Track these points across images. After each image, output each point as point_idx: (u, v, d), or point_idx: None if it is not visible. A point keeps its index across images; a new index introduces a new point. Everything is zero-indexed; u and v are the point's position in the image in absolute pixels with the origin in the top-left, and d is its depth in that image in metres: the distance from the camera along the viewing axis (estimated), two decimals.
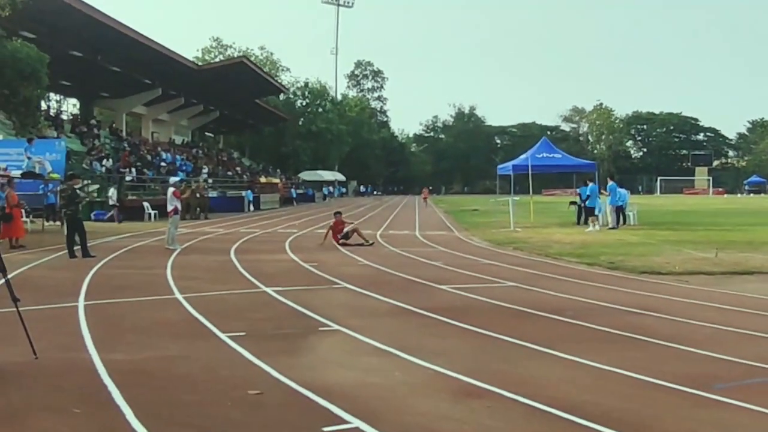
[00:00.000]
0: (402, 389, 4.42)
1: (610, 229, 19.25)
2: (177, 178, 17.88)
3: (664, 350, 5.47)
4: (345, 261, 12.30)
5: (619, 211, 20.18)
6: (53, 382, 4.50)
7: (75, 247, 12.48)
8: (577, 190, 22.65)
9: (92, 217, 24.04)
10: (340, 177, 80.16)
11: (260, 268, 10.87)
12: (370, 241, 15.11)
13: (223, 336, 5.87)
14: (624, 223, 20.43)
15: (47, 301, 7.59)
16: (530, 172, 20.89)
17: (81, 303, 7.57)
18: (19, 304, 5.22)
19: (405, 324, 6.63)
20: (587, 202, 20.40)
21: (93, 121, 37.28)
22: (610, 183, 20.15)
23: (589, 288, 8.86)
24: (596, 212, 20.03)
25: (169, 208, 14.56)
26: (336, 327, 6.30)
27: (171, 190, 14.86)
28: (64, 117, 39.88)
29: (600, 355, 5.19)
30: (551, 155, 21.95)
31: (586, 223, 20.32)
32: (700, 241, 15.10)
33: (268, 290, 8.56)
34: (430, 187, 62.41)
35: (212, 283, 9.19)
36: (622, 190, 20.53)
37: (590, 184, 20.09)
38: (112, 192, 24.16)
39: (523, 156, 22.70)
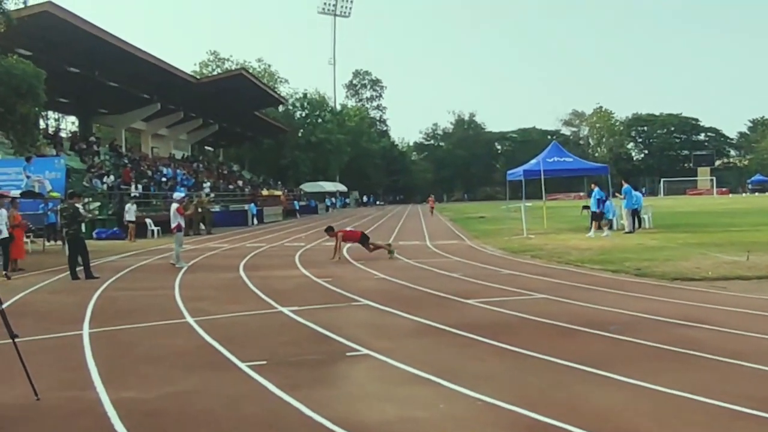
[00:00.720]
0: (450, 425, 3.93)
1: (627, 233, 18.75)
2: (181, 194, 17.38)
3: (729, 368, 4.97)
4: (360, 275, 11.77)
5: (635, 214, 19.67)
6: (57, 428, 4.01)
7: (77, 268, 11.99)
8: (591, 194, 22.03)
9: (94, 235, 23.58)
10: (342, 188, 79.57)
11: (272, 285, 10.36)
12: (372, 253, 14.67)
13: (242, 365, 5.36)
14: (639, 226, 19.92)
15: (49, 330, 7.09)
16: (542, 177, 20.36)
17: (86, 330, 7.06)
18: (20, 333, 4.74)
19: (437, 345, 6.11)
20: (595, 207, 19.49)
21: (92, 138, 36.89)
22: (625, 186, 19.66)
23: (624, 298, 8.33)
24: (609, 216, 19.46)
25: (173, 224, 14.12)
26: (364, 351, 5.79)
27: (174, 206, 14.41)
28: (63, 135, 39.53)
29: (660, 377, 4.69)
30: (562, 159, 21.47)
31: (596, 228, 19.37)
32: (722, 243, 14.63)
33: (284, 310, 8.05)
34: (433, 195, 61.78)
35: (224, 304, 8.68)
36: (637, 193, 20.00)
37: (595, 188, 19.36)
38: (129, 208, 23.62)
39: (533, 161, 22.23)
